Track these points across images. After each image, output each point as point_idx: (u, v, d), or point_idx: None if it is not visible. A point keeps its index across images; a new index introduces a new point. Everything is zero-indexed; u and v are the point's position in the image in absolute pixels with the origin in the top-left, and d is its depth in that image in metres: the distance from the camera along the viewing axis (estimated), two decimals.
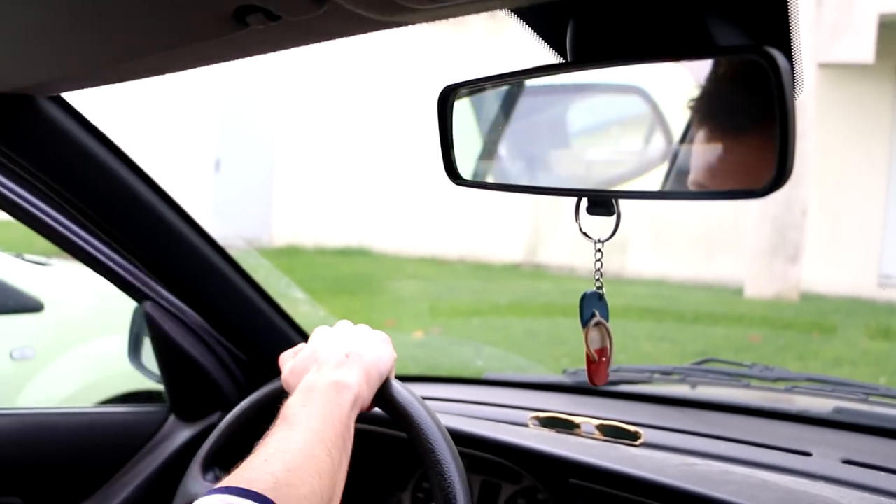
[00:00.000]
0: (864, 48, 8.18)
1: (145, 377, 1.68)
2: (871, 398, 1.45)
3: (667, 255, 9.64)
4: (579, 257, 9.53)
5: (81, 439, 1.47)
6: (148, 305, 1.48)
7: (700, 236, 9.56)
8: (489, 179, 0.77)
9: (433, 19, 0.64)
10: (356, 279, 8.85)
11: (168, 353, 1.51)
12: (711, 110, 0.59)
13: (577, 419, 1.36)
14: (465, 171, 0.77)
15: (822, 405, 1.47)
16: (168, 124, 11.57)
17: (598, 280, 0.81)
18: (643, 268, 9.47)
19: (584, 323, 0.82)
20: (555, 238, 10.17)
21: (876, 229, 9.20)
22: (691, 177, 0.60)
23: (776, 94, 0.51)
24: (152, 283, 1.47)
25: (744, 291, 8.48)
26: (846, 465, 1.22)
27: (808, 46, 7.84)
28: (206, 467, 1.46)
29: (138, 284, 1.46)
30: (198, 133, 11.73)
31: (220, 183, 11.60)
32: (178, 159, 11.07)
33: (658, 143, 0.63)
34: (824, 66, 8.56)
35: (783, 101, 0.51)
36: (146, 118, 11.10)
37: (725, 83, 0.57)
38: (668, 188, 0.61)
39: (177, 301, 1.49)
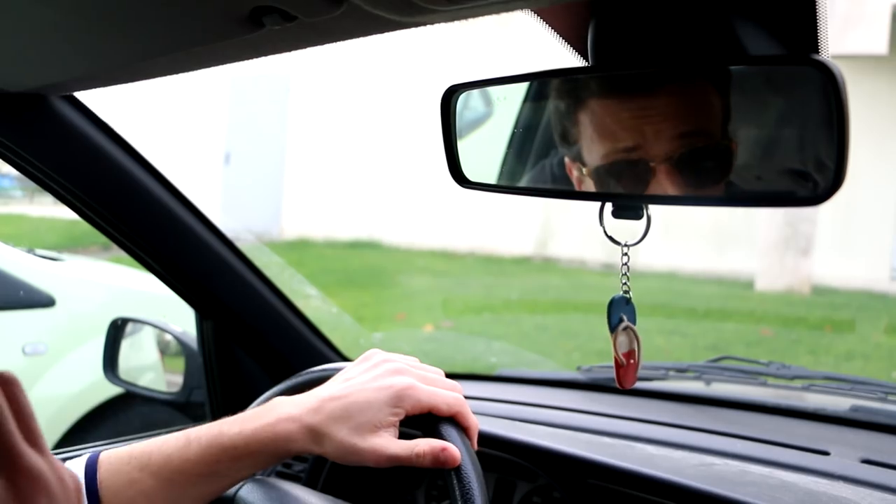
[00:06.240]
0: (877, 39, 8.10)
1: (124, 389, 1.78)
2: (890, 397, 1.44)
3: (678, 249, 9.58)
4: (590, 251, 9.49)
5: None
6: (211, 323, 1.52)
7: (711, 229, 9.51)
8: (500, 182, 0.73)
9: (451, 20, 0.63)
10: (366, 272, 8.84)
11: (229, 372, 1.54)
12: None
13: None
14: (473, 173, 0.73)
15: (839, 403, 1.45)
16: (178, 117, 11.58)
17: (624, 284, 0.78)
18: (654, 261, 9.42)
19: (613, 328, 0.80)
20: (565, 231, 10.14)
21: (888, 222, 9.13)
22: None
23: (833, 104, 0.49)
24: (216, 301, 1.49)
25: (755, 284, 8.44)
26: (865, 465, 1.20)
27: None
28: None
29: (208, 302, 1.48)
30: (208, 126, 11.74)
31: (230, 176, 11.62)
32: (187, 152, 11.08)
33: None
34: (836, 58, 8.37)
35: (841, 110, 0.49)
36: (156, 111, 11.11)
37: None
38: (703, 193, 0.58)
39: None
